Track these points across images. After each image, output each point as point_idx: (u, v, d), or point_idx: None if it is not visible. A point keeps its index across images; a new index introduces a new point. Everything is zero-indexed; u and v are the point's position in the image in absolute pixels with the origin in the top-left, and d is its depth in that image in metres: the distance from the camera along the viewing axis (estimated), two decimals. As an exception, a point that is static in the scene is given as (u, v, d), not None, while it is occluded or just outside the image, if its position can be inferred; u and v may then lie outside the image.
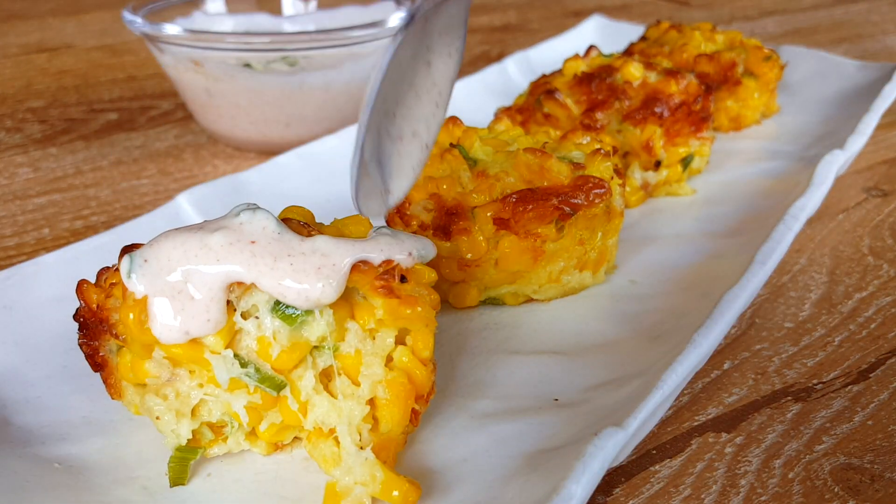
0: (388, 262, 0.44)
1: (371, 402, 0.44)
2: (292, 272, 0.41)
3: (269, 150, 0.89)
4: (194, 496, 0.44)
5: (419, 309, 0.43)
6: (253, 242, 0.42)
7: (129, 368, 0.44)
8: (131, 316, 0.42)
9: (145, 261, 0.42)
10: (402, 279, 0.44)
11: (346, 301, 0.44)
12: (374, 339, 0.44)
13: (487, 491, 0.43)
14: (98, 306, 0.44)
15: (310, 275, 0.41)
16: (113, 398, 0.46)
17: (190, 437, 0.45)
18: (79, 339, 0.45)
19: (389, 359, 0.44)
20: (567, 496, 0.38)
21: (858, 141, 0.78)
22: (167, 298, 0.42)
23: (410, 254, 0.45)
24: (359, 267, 0.43)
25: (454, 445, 0.47)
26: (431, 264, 0.48)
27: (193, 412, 0.45)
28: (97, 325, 0.44)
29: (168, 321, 0.42)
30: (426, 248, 0.47)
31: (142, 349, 0.43)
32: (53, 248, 0.68)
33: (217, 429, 0.47)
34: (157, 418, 0.45)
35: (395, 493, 0.42)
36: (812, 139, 0.88)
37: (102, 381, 0.46)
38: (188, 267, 0.42)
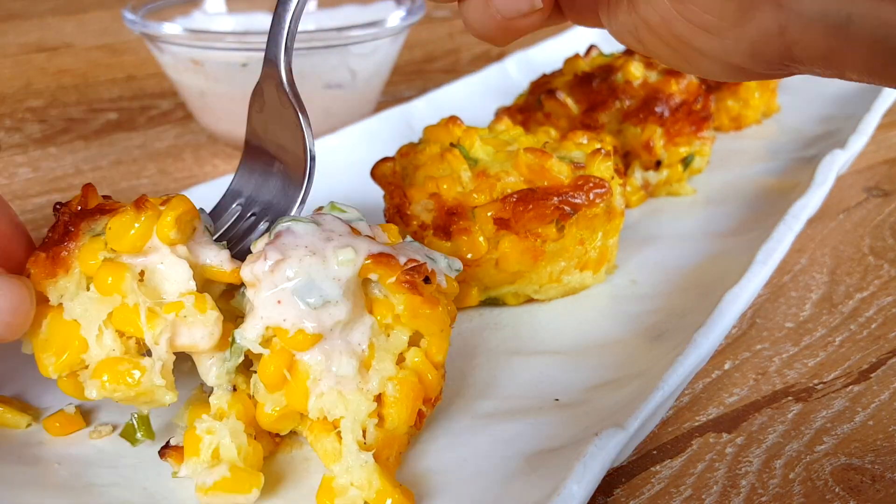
0: (413, 260, 0.44)
1: (378, 399, 0.44)
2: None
3: (269, 150, 0.89)
4: (194, 496, 0.44)
5: (439, 310, 0.44)
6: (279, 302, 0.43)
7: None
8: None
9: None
10: (427, 280, 0.44)
11: (365, 294, 0.44)
12: (388, 335, 0.44)
13: (488, 491, 0.43)
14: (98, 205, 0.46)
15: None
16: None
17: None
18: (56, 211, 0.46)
19: (401, 359, 0.45)
20: (568, 496, 0.38)
21: (859, 141, 0.78)
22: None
23: (449, 265, 0.47)
24: (385, 260, 0.43)
25: (455, 446, 0.47)
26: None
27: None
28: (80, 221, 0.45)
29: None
30: (455, 263, 0.49)
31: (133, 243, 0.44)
32: (53, 248, 0.67)
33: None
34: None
35: (389, 501, 0.41)
36: (813, 139, 0.88)
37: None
38: None
